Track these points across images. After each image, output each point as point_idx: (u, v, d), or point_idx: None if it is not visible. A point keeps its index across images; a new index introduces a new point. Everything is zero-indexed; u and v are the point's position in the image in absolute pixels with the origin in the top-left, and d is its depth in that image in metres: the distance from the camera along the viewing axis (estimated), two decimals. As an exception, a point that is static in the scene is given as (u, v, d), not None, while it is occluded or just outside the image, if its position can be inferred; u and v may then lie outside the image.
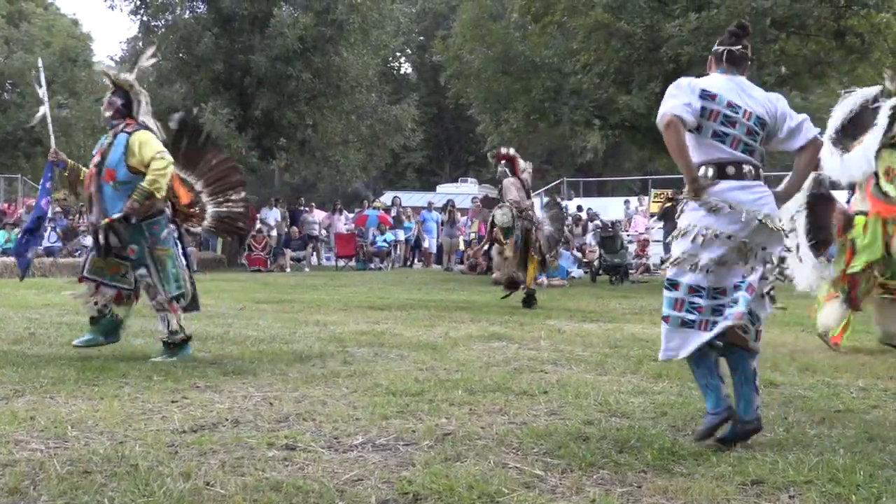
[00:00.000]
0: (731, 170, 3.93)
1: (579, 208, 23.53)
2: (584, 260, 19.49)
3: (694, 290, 3.90)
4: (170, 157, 6.06)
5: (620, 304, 11.68)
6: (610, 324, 9.02)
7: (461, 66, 20.76)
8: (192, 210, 6.60)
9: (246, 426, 4.16)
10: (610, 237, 18.00)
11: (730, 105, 3.95)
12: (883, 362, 6.44)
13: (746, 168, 3.93)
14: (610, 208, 25.08)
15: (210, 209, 6.72)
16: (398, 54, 43.83)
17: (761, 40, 15.62)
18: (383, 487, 3.25)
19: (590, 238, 20.53)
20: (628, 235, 20.34)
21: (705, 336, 3.88)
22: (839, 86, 19.20)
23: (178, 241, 6.36)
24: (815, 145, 4.06)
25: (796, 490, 3.25)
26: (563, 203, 24.60)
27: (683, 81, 4.04)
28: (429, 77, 42.70)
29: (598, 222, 21.06)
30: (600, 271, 17.94)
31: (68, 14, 47.24)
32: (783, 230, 3.99)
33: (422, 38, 42.38)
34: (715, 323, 3.87)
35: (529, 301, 10.82)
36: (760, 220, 3.86)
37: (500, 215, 10.57)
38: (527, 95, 19.07)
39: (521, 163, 11.10)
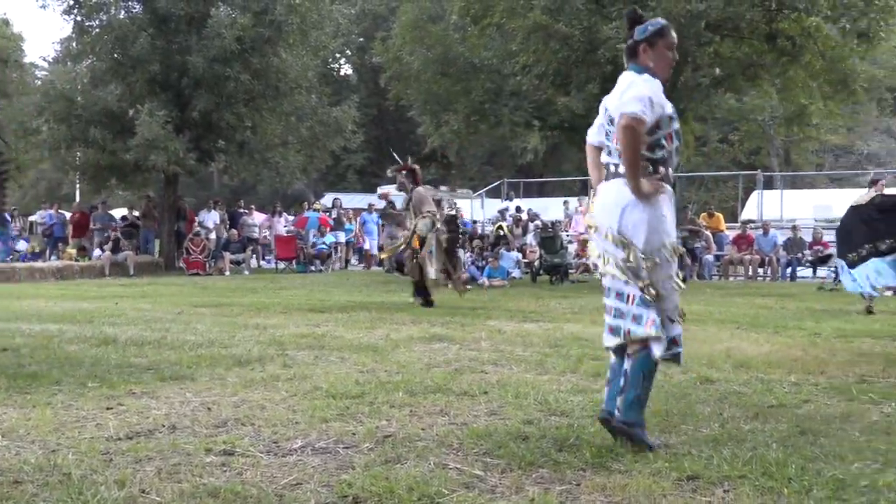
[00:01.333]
0: (606, 174, 4.03)
1: (518, 209, 23.66)
2: (525, 260, 19.59)
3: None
4: None
5: (560, 303, 11.77)
6: (550, 323, 9.09)
7: (401, 68, 20.76)
8: None
9: (183, 432, 4.10)
10: (550, 237, 18.13)
11: (605, 111, 4.01)
12: (814, 358, 6.59)
13: (612, 169, 3.95)
14: (550, 209, 25.25)
15: None
16: (338, 56, 43.59)
17: (696, 43, 15.89)
18: (323, 491, 3.23)
19: (530, 238, 20.66)
20: (568, 236, 20.52)
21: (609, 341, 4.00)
22: (771, 87, 19.74)
23: None
24: (621, 125, 3.70)
25: (731, 484, 3.31)
26: (505, 204, 24.88)
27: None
28: (369, 79, 42.56)
29: (538, 223, 21.20)
30: (541, 271, 18.07)
31: (-2, 14, 46.12)
32: (613, 231, 3.85)
33: (361, 39, 42.23)
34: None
35: (427, 303, 11.15)
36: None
37: (423, 225, 10.97)
38: (467, 97, 19.14)
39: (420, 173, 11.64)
